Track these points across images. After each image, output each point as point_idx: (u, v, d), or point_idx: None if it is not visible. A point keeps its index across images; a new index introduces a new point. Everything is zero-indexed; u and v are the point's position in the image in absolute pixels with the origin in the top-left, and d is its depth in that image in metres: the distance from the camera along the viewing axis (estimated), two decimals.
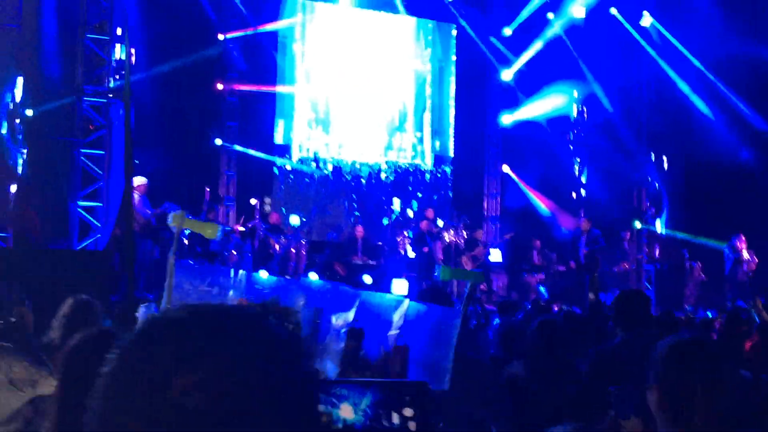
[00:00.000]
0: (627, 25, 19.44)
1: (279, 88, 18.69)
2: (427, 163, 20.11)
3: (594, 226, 16.63)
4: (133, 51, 14.20)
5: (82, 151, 13.76)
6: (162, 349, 0.97)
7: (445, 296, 6.39)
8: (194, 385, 0.94)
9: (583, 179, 20.50)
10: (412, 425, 1.87)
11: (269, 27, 18.35)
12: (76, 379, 2.96)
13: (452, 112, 20.49)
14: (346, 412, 1.86)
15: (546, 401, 4.52)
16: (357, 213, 18.89)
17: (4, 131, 13.04)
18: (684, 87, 18.91)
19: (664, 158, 19.33)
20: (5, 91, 13.34)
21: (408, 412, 1.87)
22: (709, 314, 13.57)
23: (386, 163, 19.60)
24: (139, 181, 13.96)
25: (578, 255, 16.49)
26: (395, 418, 1.86)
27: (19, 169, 13.22)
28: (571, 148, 20.63)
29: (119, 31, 14.37)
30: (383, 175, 19.52)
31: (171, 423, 0.94)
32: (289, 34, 18.91)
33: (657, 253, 17.57)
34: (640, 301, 4.93)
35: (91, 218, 13.78)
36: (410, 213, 18.65)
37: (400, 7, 19.37)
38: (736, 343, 8.34)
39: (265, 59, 18.47)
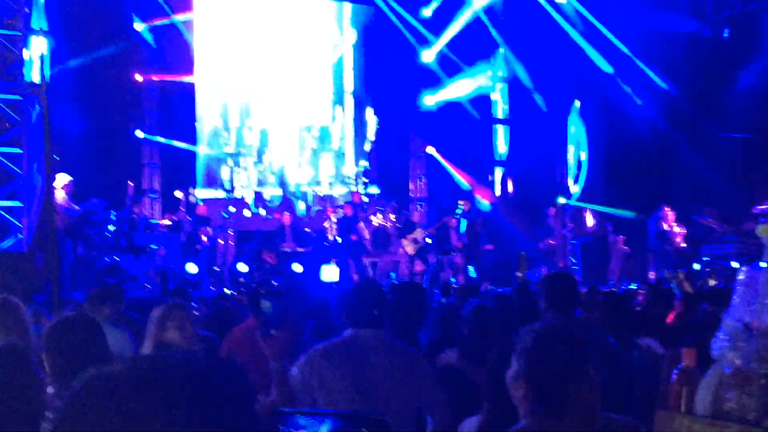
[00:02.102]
0: (544, 3, 19.65)
1: (197, 78, 18.45)
2: (349, 146, 20.19)
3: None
4: (46, 44, 13.89)
5: None
6: (97, 415, 0.93)
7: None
8: None
9: (504, 156, 20.74)
10: None
11: (185, 15, 18.08)
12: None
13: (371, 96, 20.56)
14: None
15: (480, 388, 4.58)
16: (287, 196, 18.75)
17: None
18: (601, 62, 19.21)
19: (584, 133, 19.66)
20: None
21: None
22: (633, 286, 13.90)
23: (311, 150, 19.56)
24: (64, 178, 13.69)
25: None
26: None
27: None
28: (496, 127, 20.85)
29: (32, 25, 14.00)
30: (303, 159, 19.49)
31: None
32: (204, 21, 18.64)
33: (581, 227, 17.87)
34: (567, 283, 5.01)
35: (10, 218, 13.44)
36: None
37: None
38: (659, 315, 8.55)
39: (183, 48, 18.21)
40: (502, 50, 20.08)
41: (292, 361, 4.13)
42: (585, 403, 2.63)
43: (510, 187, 20.24)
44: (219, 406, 0.99)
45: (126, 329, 6.50)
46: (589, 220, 17.58)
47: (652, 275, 15.48)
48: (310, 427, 1.88)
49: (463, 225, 17.17)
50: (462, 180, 20.01)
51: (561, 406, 2.62)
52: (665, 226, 16.22)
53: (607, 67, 19.15)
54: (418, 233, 17.49)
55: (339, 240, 16.80)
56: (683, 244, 16.20)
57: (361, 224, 17.12)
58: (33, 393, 3.04)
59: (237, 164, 18.63)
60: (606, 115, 19.15)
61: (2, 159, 13.41)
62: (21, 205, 13.52)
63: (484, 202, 19.45)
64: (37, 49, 13.82)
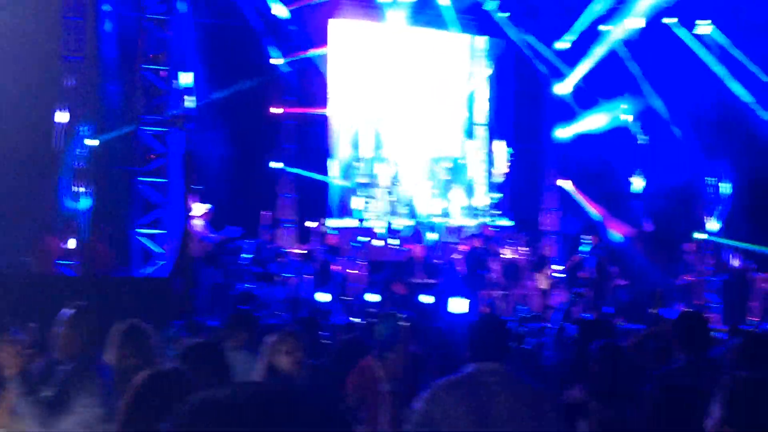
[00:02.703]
0: (683, 35, 19.21)
1: (331, 110, 18.81)
2: (480, 178, 20.18)
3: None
4: (191, 78, 14.48)
5: (142, 179, 14.00)
6: None
7: None
8: None
9: (641, 189, 20.25)
10: None
11: (321, 50, 18.50)
12: (139, 420, 3.05)
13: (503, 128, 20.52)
14: None
15: (608, 428, 4.48)
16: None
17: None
18: (744, 94, 18.59)
19: (730, 171, 19.01)
20: (81, 123, 13.66)
21: None
22: None
23: (442, 181, 19.62)
24: (202, 207, 14.18)
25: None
26: None
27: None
28: (632, 160, 20.40)
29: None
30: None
31: None
32: (339, 55, 19.01)
33: (721, 264, 17.21)
34: (698, 323, 4.87)
35: (152, 245, 14.00)
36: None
37: (452, 24, 19.37)
38: None
39: (318, 81, 18.63)
40: (638, 82, 19.66)
41: (409, 387, 4.13)
42: None
43: (647, 221, 19.73)
44: None
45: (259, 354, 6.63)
46: (735, 262, 16.95)
47: None
48: None
49: (591, 261, 16.93)
50: (595, 212, 19.68)
51: None
52: None
53: (747, 97, 18.52)
54: (552, 269, 17.33)
55: (468, 272, 16.74)
56: None
57: (491, 257, 17.02)
58: None
59: (369, 195, 18.87)
60: (748, 147, 18.45)
61: (146, 188, 14.02)
62: (164, 232, 14.07)
63: (617, 235, 19.04)
64: (181, 82, 14.42)
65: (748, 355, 6.00)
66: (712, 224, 18.79)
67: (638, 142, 20.39)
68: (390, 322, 4.32)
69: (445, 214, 19.41)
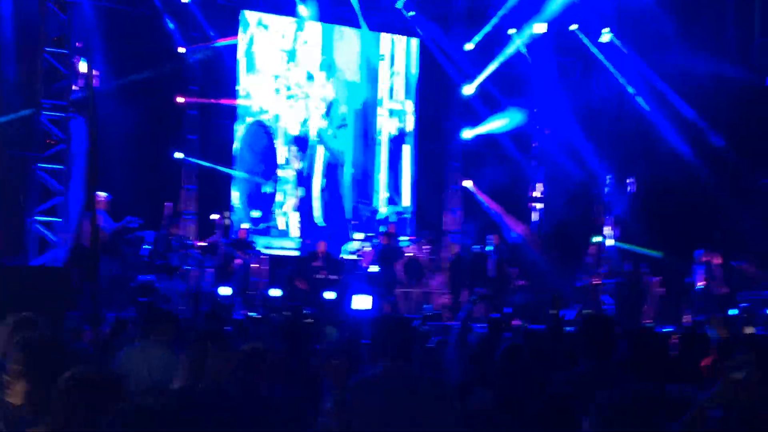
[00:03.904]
0: (587, 42, 19.66)
1: (240, 102, 18.58)
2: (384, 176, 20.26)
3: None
4: (93, 63, 14.10)
5: (41, 165, 13.57)
6: None
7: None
8: None
9: (540, 193, 20.65)
10: None
11: (229, 41, 18.25)
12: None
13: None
14: None
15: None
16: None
17: None
18: (643, 103, 19.13)
19: (627, 176, 19.52)
20: None
21: None
22: (668, 330, 13.70)
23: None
24: (99, 195, 13.80)
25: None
26: None
27: None
28: (533, 162, 20.77)
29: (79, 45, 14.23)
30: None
31: None
32: (247, 48, 18.78)
33: (617, 267, 17.67)
34: (604, 327, 4.91)
35: (48, 233, 13.59)
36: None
37: (362, 22, 19.35)
38: (693, 360, 8.39)
39: (226, 73, 18.37)
40: (543, 86, 20.03)
41: None
42: None
43: (546, 223, 20.14)
44: None
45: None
46: (629, 265, 17.45)
47: (687, 319, 15.25)
48: None
49: (492, 261, 17.30)
50: (495, 211, 19.98)
51: None
52: (704, 270, 15.99)
53: (644, 105, 19.10)
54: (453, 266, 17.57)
55: (373, 269, 16.79)
56: (722, 290, 15.95)
57: (395, 255, 17.11)
58: None
59: (274, 189, 18.74)
60: (645, 153, 18.98)
61: (44, 174, 13.60)
62: (59, 220, 13.68)
63: (513, 232, 19.42)
64: (82, 67, 14.02)
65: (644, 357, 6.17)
66: (609, 228, 19.28)
67: (541, 144, 20.80)
68: (332, 328, 4.27)
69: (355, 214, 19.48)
